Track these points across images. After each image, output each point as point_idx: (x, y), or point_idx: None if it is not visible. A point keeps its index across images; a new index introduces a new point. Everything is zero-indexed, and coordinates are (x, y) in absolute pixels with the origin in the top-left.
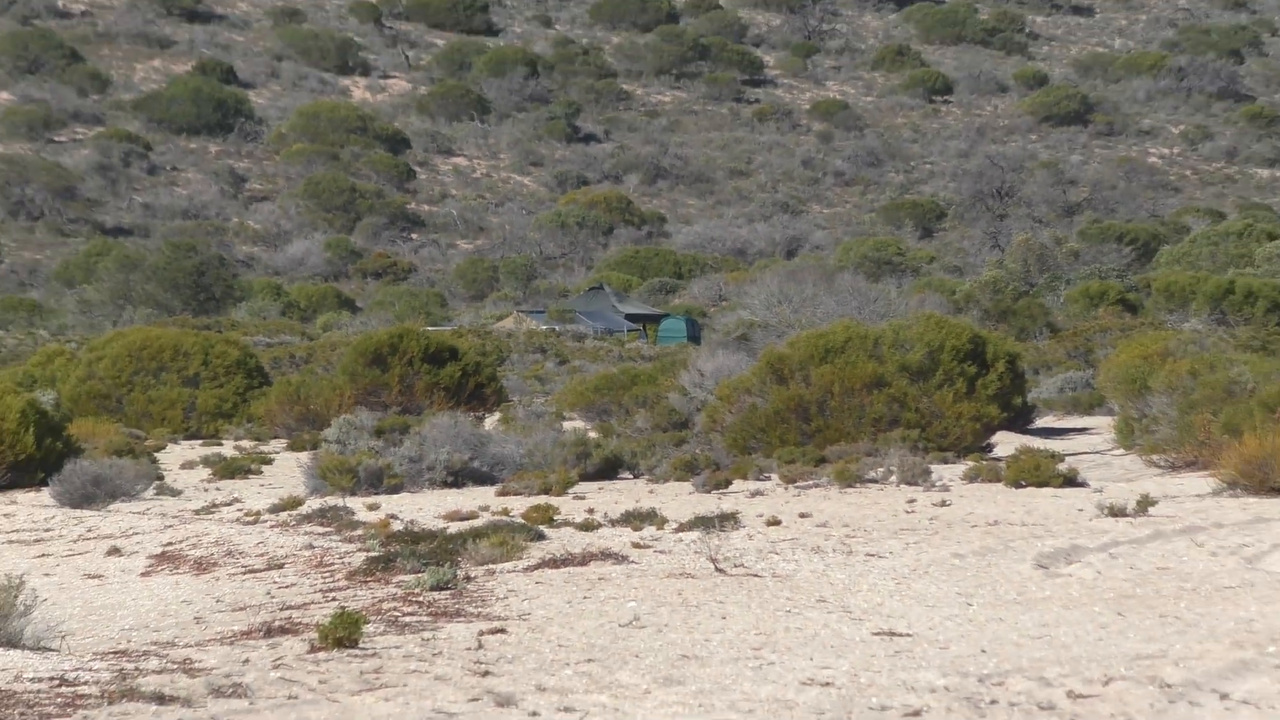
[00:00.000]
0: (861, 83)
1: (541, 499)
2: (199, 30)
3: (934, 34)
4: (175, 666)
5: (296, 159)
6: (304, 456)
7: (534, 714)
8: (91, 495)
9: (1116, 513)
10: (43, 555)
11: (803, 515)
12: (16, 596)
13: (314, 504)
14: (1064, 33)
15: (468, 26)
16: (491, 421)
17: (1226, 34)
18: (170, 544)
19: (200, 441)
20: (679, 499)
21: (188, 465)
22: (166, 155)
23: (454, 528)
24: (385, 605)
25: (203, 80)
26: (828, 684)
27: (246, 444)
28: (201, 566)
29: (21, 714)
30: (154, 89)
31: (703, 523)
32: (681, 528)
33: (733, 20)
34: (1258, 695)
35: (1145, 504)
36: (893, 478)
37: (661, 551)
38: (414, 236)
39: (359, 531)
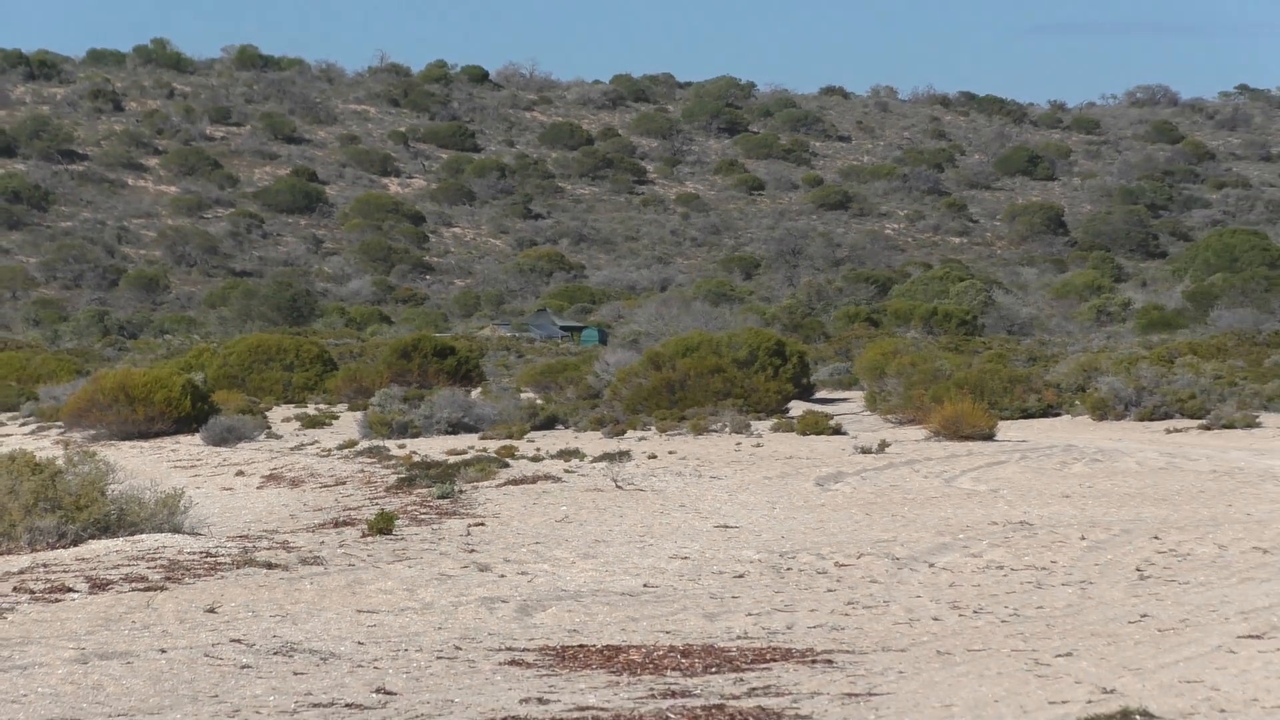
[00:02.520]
0: (707, 182)
1: (506, 442)
2: (294, 149)
3: (752, 153)
4: (278, 545)
5: (354, 229)
6: (358, 415)
7: (502, 575)
8: (226, 438)
9: (865, 451)
10: (195, 476)
11: (670, 453)
12: (179, 501)
13: (364, 445)
14: (833, 152)
15: (461, 146)
16: (475, 393)
17: (933, 154)
18: (274, 469)
19: (293, 405)
20: (593, 442)
21: (285, 420)
22: (273, 226)
23: (452, 460)
24: (409, 508)
25: (296, 180)
26: (686, 558)
27: (322, 407)
28: (294, 483)
29: (184, 573)
30: (266, 185)
31: (608, 457)
32: (595, 460)
33: (627, 143)
34: (952, 564)
35: (883, 446)
36: (726, 429)
37: (582, 475)
38: (427, 277)
39: (392, 462)
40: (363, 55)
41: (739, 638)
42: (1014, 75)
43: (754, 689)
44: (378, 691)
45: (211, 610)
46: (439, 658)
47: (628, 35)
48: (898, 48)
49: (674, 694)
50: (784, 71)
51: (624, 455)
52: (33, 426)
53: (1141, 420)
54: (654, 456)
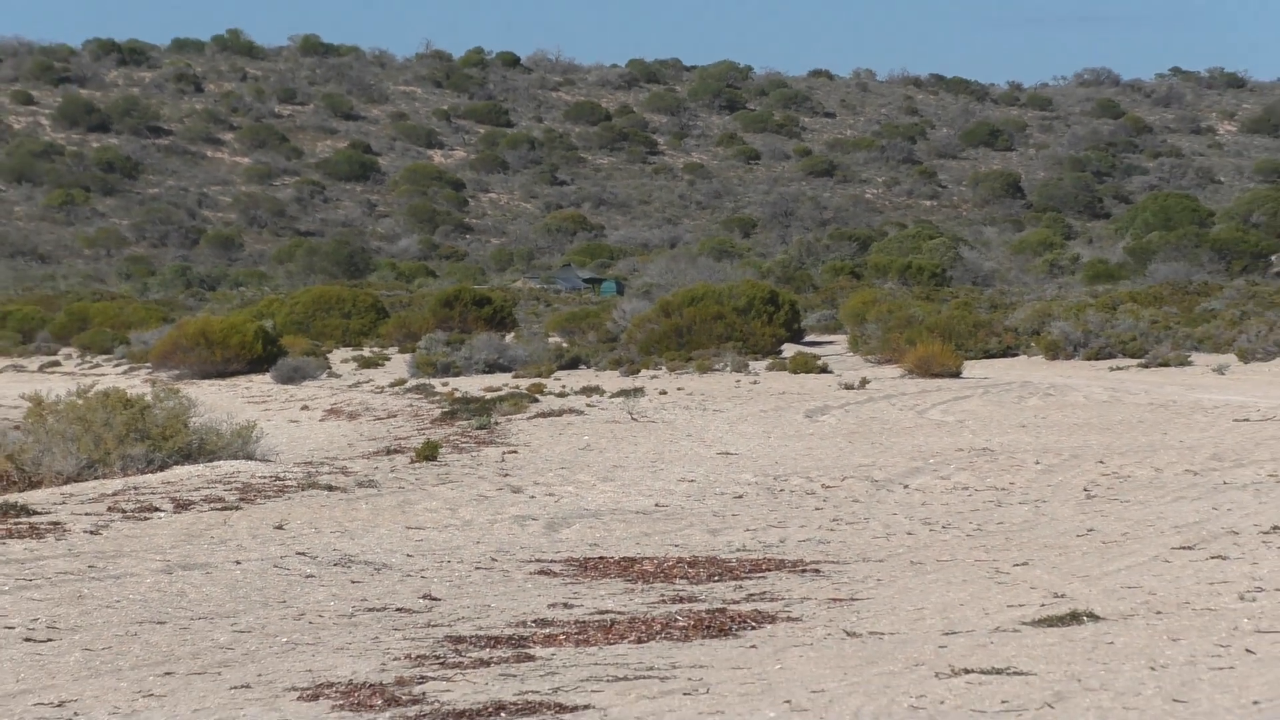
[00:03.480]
0: (710, 153)
1: (536, 380)
2: (351, 125)
3: (750, 127)
4: (337, 470)
5: (403, 195)
6: (407, 357)
7: (532, 496)
8: (292, 377)
9: (848, 387)
10: (265, 410)
11: (678, 389)
12: (252, 432)
13: (412, 383)
14: (820, 127)
15: (496, 122)
16: (509, 337)
17: (907, 128)
18: (335, 404)
19: (350, 349)
20: (611, 380)
21: (344, 361)
22: (333, 193)
23: (489, 396)
24: (452, 438)
25: (352, 152)
26: (692, 480)
27: (376, 350)
28: (352, 416)
29: (255, 495)
30: (327, 156)
31: (624, 393)
32: (613, 396)
33: (641, 119)
34: (924, 485)
35: (864, 383)
36: (727, 368)
37: (602, 409)
38: (466, 236)
39: (437, 398)
40: (411, 43)
41: (738, 550)
42: (977, 59)
43: (751, 595)
44: (424, 597)
45: (279, 527)
46: (477, 568)
47: (641, 24)
48: (876, 35)
49: (682, 599)
50: (777, 56)
51: (638, 391)
52: (125, 367)
53: (1088, 359)
54: (664, 392)
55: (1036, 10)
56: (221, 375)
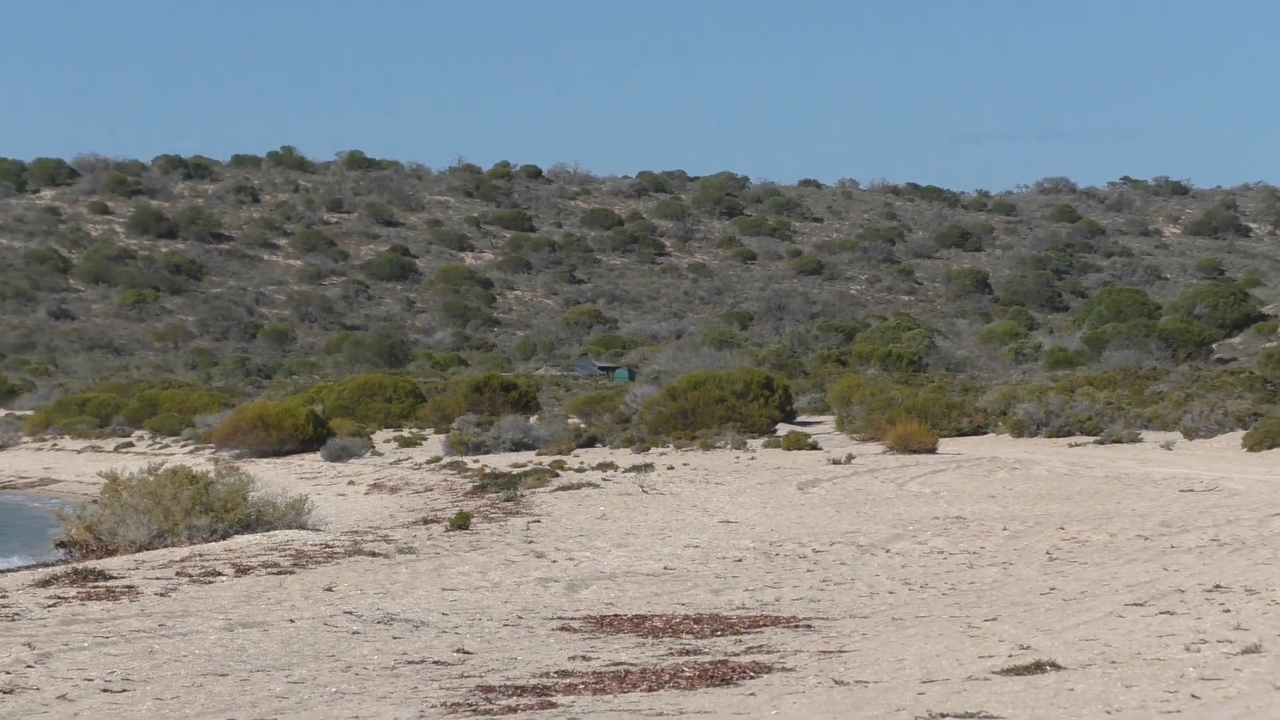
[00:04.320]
0: (712, 254)
1: (557, 457)
2: (392, 230)
3: (747, 231)
4: (380, 539)
5: (438, 292)
6: (442, 437)
7: (554, 560)
8: (340, 455)
9: (836, 462)
10: (315, 484)
11: (684, 465)
12: (304, 505)
13: (446, 460)
14: (809, 230)
15: (521, 227)
16: (533, 419)
17: (887, 231)
18: (378, 479)
19: (392, 430)
20: (624, 457)
21: (386, 441)
22: (376, 291)
23: (515, 471)
24: (482, 509)
25: (393, 254)
26: (697, 546)
27: (414, 431)
28: (393, 490)
29: (307, 560)
30: (370, 259)
31: (636, 468)
32: (626, 470)
33: (649, 224)
34: (904, 550)
35: (849, 458)
36: (728, 446)
37: (616, 483)
38: (495, 329)
39: (468, 473)
40: (444, 157)
41: (738, 608)
42: (949, 170)
43: (750, 648)
44: (458, 651)
45: (329, 589)
46: (505, 625)
47: (650, 139)
48: (859, 148)
49: (688, 652)
50: (770, 167)
51: (648, 467)
52: (191, 447)
53: (1050, 437)
54: (671, 468)
55: (1002, 127)
56: (277, 454)
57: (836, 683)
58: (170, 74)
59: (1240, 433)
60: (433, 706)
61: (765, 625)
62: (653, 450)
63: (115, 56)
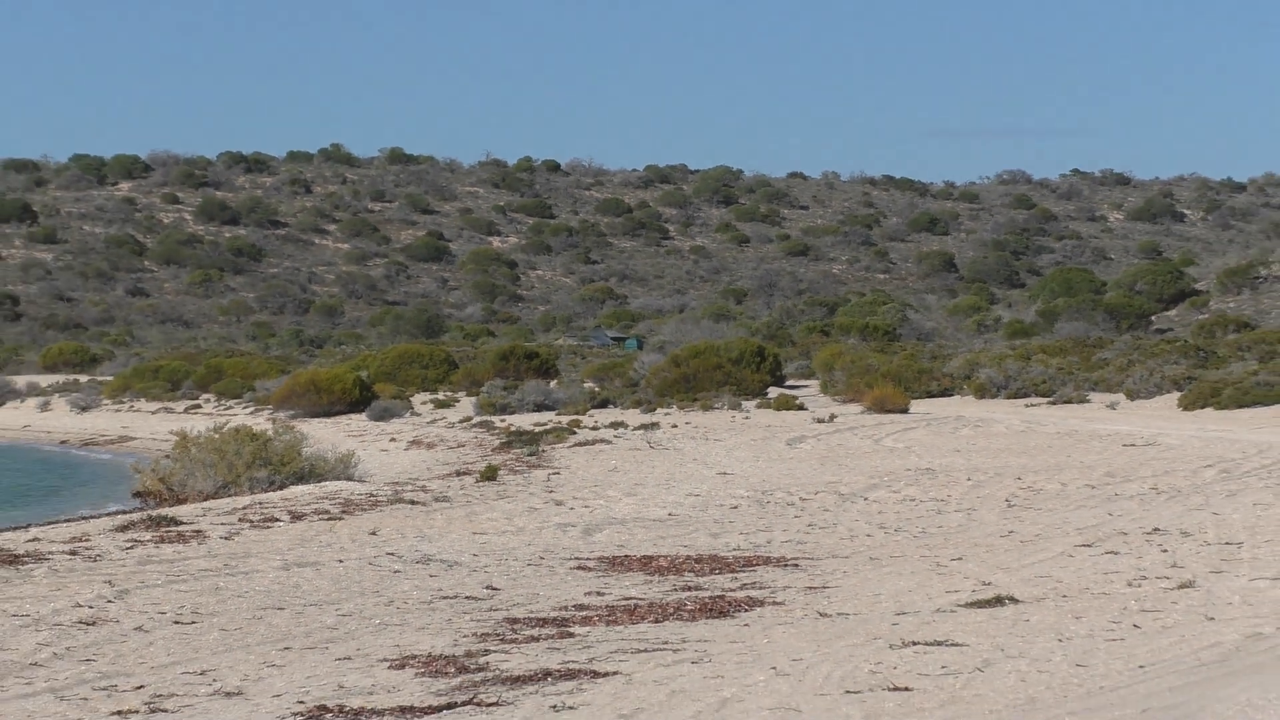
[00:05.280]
0: (710, 238)
1: (574, 417)
2: (428, 218)
3: (741, 217)
4: (418, 489)
5: (469, 272)
6: (473, 399)
7: (571, 508)
8: (383, 416)
9: (820, 421)
10: (361, 441)
11: (686, 424)
12: (351, 459)
13: (477, 420)
14: (797, 217)
15: (542, 215)
16: (553, 383)
17: (865, 217)
18: (416, 437)
19: (428, 393)
20: (634, 416)
21: (423, 403)
22: (414, 271)
23: (537, 429)
24: (508, 462)
25: (429, 239)
26: (697, 495)
27: (449, 394)
28: (429, 446)
29: (354, 508)
30: (409, 243)
31: (644, 427)
32: (635, 429)
33: (655, 211)
34: (880, 498)
35: (832, 417)
36: (725, 407)
37: (626, 440)
38: (519, 304)
39: (496, 431)
40: (474, 152)
41: (734, 550)
42: (920, 163)
43: (744, 584)
44: (487, 588)
45: (373, 533)
46: (528, 564)
47: (656, 137)
48: (841, 143)
49: (689, 588)
50: (762, 161)
51: (654, 425)
52: (252, 408)
53: (1008, 398)
54: (675, 426)
55: (967, 125)
56: (327, 415)
57: (821, 615)
58: (234, 80)
59: (1175, 394)
60: (465, 636)
61: (758, 564)
62: (658, 411)
63: (186, 63)
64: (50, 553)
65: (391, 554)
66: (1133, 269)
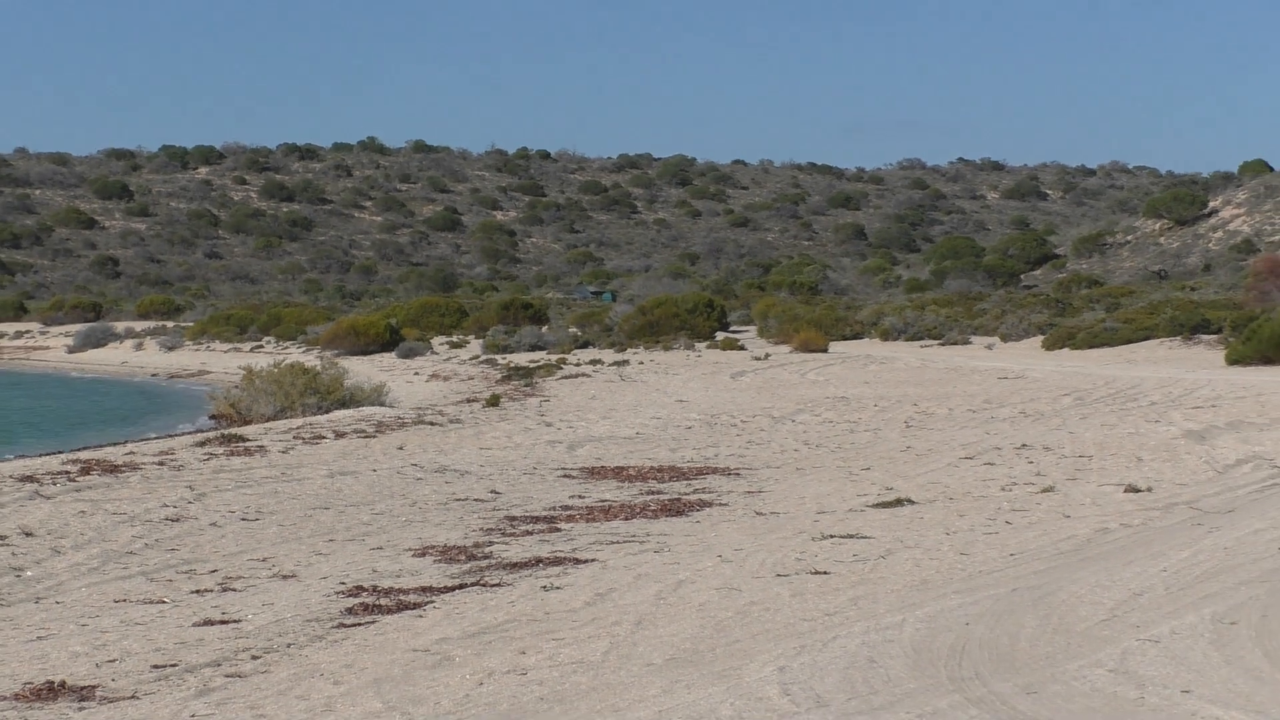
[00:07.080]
0: (670, 213)
1: (561, 356)
2: (445, 196)
3: (695, 196)
4: (436, 413)
5: (477, 239)
6: (480, 341)
7: (558, 428)
8: (408, 354)
9: (757, 359)
10: (390, 375)
11: (651, 361)
12: (383, 389)
13: (483, 358)
14: (739, 195)
15: (536, 194)
16: (544, 329)
17: (793, 196)
18: (435, 371)
19: (445, 336)
20: (608, 355)
21: (441, 344)
22: (433, 239)
23: (531, 365)
24: (508, 392)
25: (446, 213)
26: (659, 418)
27: (461, 337)
28: (445, 379)
29: (385, 428)
30: (430, 216)
31: (616, 364)
32: (609, 365)
33: (627, 191)
34: (805, 420)
35: (767, 356)
36: (681, 348)
37: (602, 374)
38: (517, 265)
39: (498, 367)
40: (482, 143)
41: (688, 461)
42: (840, 152)
43: (697, 489)
44: (491, 492)
45: (400, 448)
46: (524, 474)
47: (626, 131)
48: (775, 137)
49: (653, 493)
50: (712, 150)
51: (625, 363)
52: (304, 348)
53: (907, 341)
54: (641, 363)
55: (871, 119)
56: (364, 353)
57: (757, 513)
58: (292, 85)
59: (1039, 338)
60: (473, 530)
61: (707, 474)
62: (628, 351)
63: (254, 72)
64: (143, 463)
65: (415, 465)
66: (1006, 238)
